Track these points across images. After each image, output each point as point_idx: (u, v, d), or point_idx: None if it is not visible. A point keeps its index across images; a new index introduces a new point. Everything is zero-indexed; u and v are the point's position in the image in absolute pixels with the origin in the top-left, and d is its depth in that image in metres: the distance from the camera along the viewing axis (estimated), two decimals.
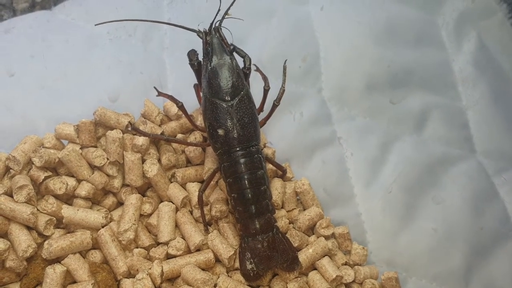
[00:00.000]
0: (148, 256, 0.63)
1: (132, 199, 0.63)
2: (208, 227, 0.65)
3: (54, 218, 0.61)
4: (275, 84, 0.65)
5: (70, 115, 0.67)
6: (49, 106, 0.69)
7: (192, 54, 0.64)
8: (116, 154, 0.63)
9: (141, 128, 0.67)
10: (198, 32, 0.63)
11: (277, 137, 0.72)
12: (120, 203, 0.66)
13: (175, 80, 0.74)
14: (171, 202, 0.65)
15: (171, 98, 0.63)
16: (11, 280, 0.59)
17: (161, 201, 0.66)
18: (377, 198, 0.71)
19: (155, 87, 0.64)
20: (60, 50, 0.73)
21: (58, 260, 0.60)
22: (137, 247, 0.63)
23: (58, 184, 0.61)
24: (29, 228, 0.60)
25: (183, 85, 0.72)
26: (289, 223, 0.67)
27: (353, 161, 0.73)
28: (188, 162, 0.70)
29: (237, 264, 0.63)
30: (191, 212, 0.65)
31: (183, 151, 0.69)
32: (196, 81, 0.66)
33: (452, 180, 0.72)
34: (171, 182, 0.66)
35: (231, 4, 0.63)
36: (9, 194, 0.60)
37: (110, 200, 0.65)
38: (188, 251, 0.63)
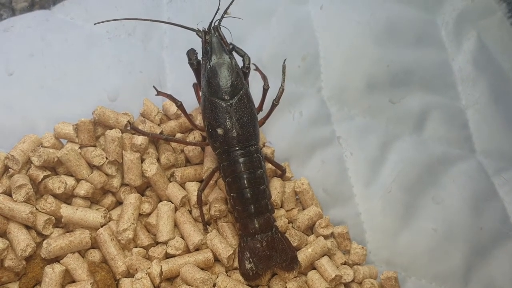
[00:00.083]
0: (147, 255, 0.63)
1: (131, 199, 0.63)
2: (207, 226, 0.65)
3: (53, 218, 0.61)
4: (275, 83, 0.65)
5: (69, 114, 0.67)
6: (48, 105, 0.69)
7: (191, 53, 0.63)
8: (115, 154, 0.63)
9: (140, 127, 0.67)
10: (197, 31, 0.63)
11: (276, 136, 0.72)
12: (119, 203, 0.66)
13: (174, 79, 0.74)
14: (170, 201, 0.65)
15: (170, 98, 0.63)
16: (10, 279, 0.59)
17: (160, 201, 0.66)
18: (376, 197, 0.71)
19: (154, 87, 0.64)
20: (59, 49, 0.73)
21: (57, 259, 0.60)
22: (136, 247, 0.63)
23: (57, 184, 0.61)
24: (28, 227, 0.60)
25: (182, 84, 0.72)
26: (288, 223, 0.67)
27: (353, 160, 0.73)
28: (187, 162, 0.70)
29: (236, 264, 0.63)
30: (190, 212, 0.65)
31: (182, 151, 0.69)
32: (195, 80, 0.66)
33: (451, 180, 0.72)
34: (170, 182, 0.66)
35: (231, 3, 0.63)
36: (8, 193, 0.60)
37: (109, 200, 0.65)
38: (187, 250, 0.63)
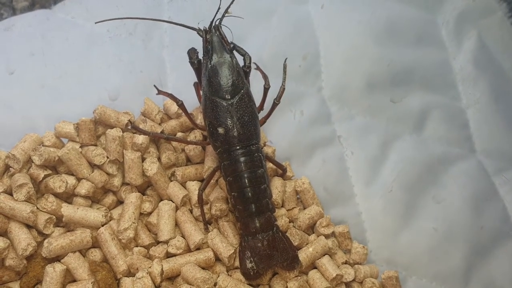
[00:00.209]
0: (148, 254, 0.63)
1: (132, 198, 0.63)
2: (208, 226, 0.65)
3: (54, 217, 0.61)
4: (275, 82, 0.65)
5: (70, 113, 0.67)
6: (49, 104, 0.69)
7: (192, 52, 0.63)
8: (116, 153, 0.63)
9: (141, 126, 0.67)
10: (198, 31, 0.63)
11: (277, 135, 0.72)
12: (120, 202, 0.66)
13: (175, 78, 0.74)
14: (171, 200, 0.65)
15: (171, 97, 0.63)
16: (11, 278, 0.59)
17: (161, 200, 0.66)
18: (377, 197, 0.71)
19: (155, 86, 0.64)
20: (60, 48, 0.73)
21: (58, 258, 0.60)
22: (137, 246, 0.63)
23: (58, 183, 0.61)
24: (29, 226, 0.60)
25: (183, 83, 0.71)
26: (289, 222, 0.67)
27: (353, 160, 0.73)
28: (188, 161, 0.69)
29: (237, 263, 0.63)
30: (191, 211, 0.65)
31: (183, 150, 0.69)
32: (196, 80, 0.66)
33: (452, 180, 0.72)
34: (171, 181, 0.66)
35: (231, 3, 0.63)
36: (9, 192, 0.60)
37: (110, 199, 0.65)
38: (188, 250, 0.63)
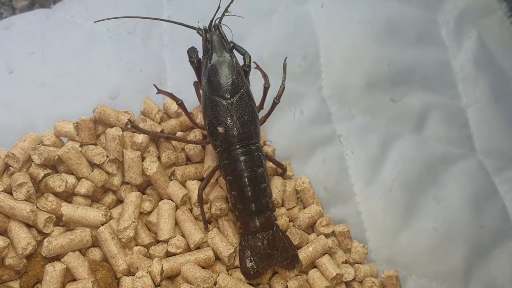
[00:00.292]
0: (148, 254, 0.63)
1: (131, 197, 0.63)
2: (208, 225, 0.65)
3: (54, 216, 0.60)
4: (275, 82, 0.64)
5: (70, 112, 0.67)
6: (48, 103, 0.69)
7: (192, 51, 0.63)
8: (115, 152, 0.63)
9: (140, 125, 0.67)
10: (198, 30, 0.63)
11: (277, 135, 0.72)
12: (119, 201, 0.66)
13: (175, 77, 0.74)
14: (171, 200, 0.65)
15: (171, 96, 0.63)
16: (11, 277, 0.59)
17: (161, 199, 0.66)
18: (377, 196, 0.71)
19: (154, 85, 0.64)
20: (60, 47, 0.73)
21: (57, 257, 0.60)
22: (136, 245, 0.63)
23: (58, 182, 0.61)
24: (28, 225, 0.59)
25: (183, 82, 0.71)
26: (289, 221, 0.67)
27: (353, 159, 0.73)
28: (188, 160, 0.69)
29: (237, 262, 0.63)
30: (191, 210, 0.65)
31: (183, 149, 0.69)
32: (196, 79, 0.66)
33: (452, 179, 0.72)
34: (171, 180, 0.66)
35: (231, 2, 0.63)
36: (9, 191, 0.60)
37: (109, 198, 0.65)
38: (188, 249, 0.63)
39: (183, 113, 0.65)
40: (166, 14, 0.77)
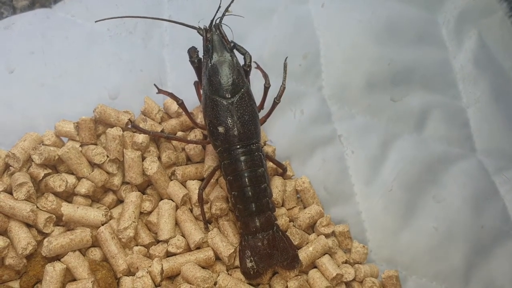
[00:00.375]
0: (148, 254, 0.63)
1: (132, 197, 0.63)
2: (208, 225, 0.65)
3: (54, 216, 0.60)
4: (276, 81, 0.64)
5: (70, 112, 0.67)
6: (48, 103, 0.69)
7: (192, 51, 0.63)
8: (116, 152, 0.63)
9: (141, 125, 0.67)
10: (198, 29, 0.63)
11: (277, 135, 0.72)
12: (120, 201, 0.66)
13: (175, 77, 0.74)
14: (171, 200, 0.65)
15: (171, 96, 0.63)
16: (11, 277, 0.59)
17: (161, 199, 0.66)
18: (377, 196, 0.71)
19: (155, 85, 0.64)
20: (60, 47, 0.73)
21: (57, 257, 0.60)
22: (137, 245, 0.63)
23: (58, 182, 0.61)
24: (28, 225, 0.59)
25: (183, 82, 0.71)
26: (289, 221, 0.67)
27: (354, 159, 0.73)
28: (188, 160, 0.69)
29: (237, 262, 0.63)
30: (191, 210, 0.65)
31: (183, 149, 0.69)
32: (196, 79, 0.66)
33: (452, 179, 0.72)
34: (171, 180, 0.66)
35: (232, 1, 0.63)
36: (9, 191, 0.60)
37: (110, 198, 0.65)
38: (188, 249, 0.63)
39: (183, 113, 0.66)
40: (166, 14, 0.77)
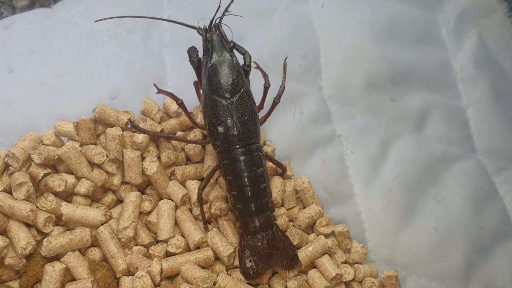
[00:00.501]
0: (148, 254, 0.63)
1: (131, 197, 0.63)
2: (208, 225, 0.65)
3: (54, 216, 0.60)
4: (275, 81, 0.64)
5: (70, 112, 0.67)
6: (48, 103, 0.69)
7: (192, 51, 0.63)
8: (115, 152, 0.63)
9: (140, 125, 0.67)
10: (198, 29, 0.63)
11: (277, 134, 0.72)
12: (119, 201, 0.66)
13: (175, 77, 0.74)
14: (171, 199, 0.65)
15: (171, 96, 0.63)
16: (10, 277, 0.59)
17: (161, 199, 0.66)
18: (377, 196, 0.71)
19: (155, 85, 0.64)
20: (60, 47, 0.73)
21: (57, 257, 0.60)
22: (136, 245, 0.63)
23: (58, 181, 0.61)
24: (28, 225, 0.59)
25: (183, 82, 0.71)
26: (289, 221, 0.67)
27: (353, 159, 0.73)
28: (188, 160, 0.69)
29: (236, 262, 0.63)
30: (190, 210, 0.65)
31: (183, 149, 0.69)
32: (196, 78, 0.66)
33: (452, 179, 0.72)
34: (171, 180, 0.66)
35: (231, 1, 0.63)
36: (8, 191, 0.60)
37: (109, 198, 0.65)
38: (187, 249, 0.63)
39: (183, 112, 0.65)
40: (166, 14, 0.77)
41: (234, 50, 0.63)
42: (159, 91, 0.64)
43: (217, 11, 0.62)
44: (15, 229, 0.58)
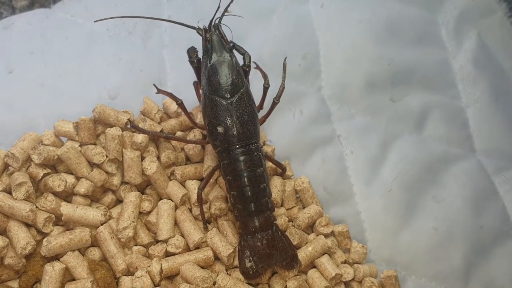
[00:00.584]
0: (147, 253, 0.63)
1: (131, 197, 0.63)
2: (207, 225, 0.65)
3: (53, 216, 0.61)
4: (275, 81, 0.65)
5: (69, 112, 0.67)
6: (48, 103, 0.69)
7: (191, 51, 0.63)
8: (115, 152, 0.63)
9: (140, 125, 0.67)
10: (197, 29, 0.63)
11: (277, 135, 0.72)
12: (119, 201, 0.66)
13: (174, 77, 0.74)
14: (171, 199, 0.65)
15: (171, 96, 0.63)
16: (10, 277, 0.59)
17: (160, 199, 0.66)
18: (377, 196, 0.71)
19: (154, 85, 0.64)
20: (60, 47, 0.73)
21: (57, 257, 0.60)
22: (136, 245, 0.63)
23: (57, 181, 0.61)
24: (28, 225, 0.59)
25: (183, 82, 0.71)
26: (289, 221, 0.67)
27: (353, 159, 0.73)
28: (188, 160, 0.69)
29: (236, 262, 0.63)
30: (190, 210, 0.65)
31: (183, 149, 0.69)
32: (195, 79, 0.66)
33: (452, 179, 0.72)
34: (171, 180, 0.66)
35: (231, 2, 0.63)
36: (8, 191, 0.60)
37: (109, 198, 0.65)
38: (187, 249, 0.63)
39: (182, 113, 0.66)
40: (166, 14, 0.77)
41: (234, 50, 0.63)
42: (159, 91, 0.64)
43: (216, 11, 0.63)
44: (15, 229, 0.58)
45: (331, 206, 0.70)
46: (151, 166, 0.64)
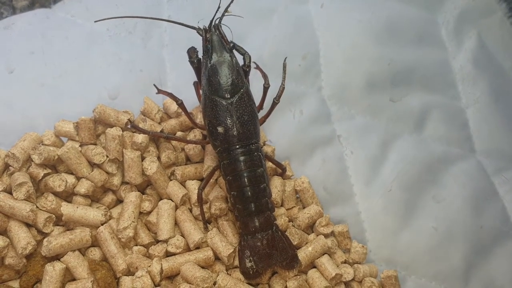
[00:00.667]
0: (148, 253, 0.63)
1: (131, 197, 0.63)
2: (208, 225, 0.65)
3: (54, 216, 0.61)
4: (275, 82, 0.65)
5: (70, 112, 0.67)
6: (48, 103, 0.69)
7: (192, 51, 0.63)
8: (115, 152, 0.63)
9: (140, 125, 0.67)
10: (198, 30, 0.63)
11: (277, 135, 0.72)
12: (119, 201, 0.66)
13: (175, 77, 0.74)
14: (171, 199, 0.65)
15: (171, 96, 0.63)
16: (11, 277, 0.59)
17: (161, 199, 0.66)
18: (377, 196, 0.71)
19: (154, 85, 0.64)
20: (60, 47, 0.73)
21: (57, 257, 0.60)
22: (136, 245, 0.63)
23: (58, 182, 0.61)
24: (28, 225, 0.60)
25: (183, 82, 0.71)
26: (289, 221, 0.67)
27: (353, 159, 0.73)
28: (188, 160, 0.69)
29: (236, 262, 0.63)
30: (190, 210, 0.65)
31: (183, 149, 0.69)
32: (196, 79, 0.66)
33: (452, 179, 0.72)
34: (171, 180, 0.66)
35: (231, 2, 0.63)
36: (9, 191, 0.60)
37: (109, 198, 0.65)
38: (187, 249, 0.63)
39: (183, 113, 0.66)
40: (166, 14, 0.77)
41: (234, 51, 0.63)
42: (159, 91, 0.64)
43: (216, 12, 0.63)
44: (15, 229, 0.58)
45: (331, 206, 0.70)
46: (151, 166, 0.64)
